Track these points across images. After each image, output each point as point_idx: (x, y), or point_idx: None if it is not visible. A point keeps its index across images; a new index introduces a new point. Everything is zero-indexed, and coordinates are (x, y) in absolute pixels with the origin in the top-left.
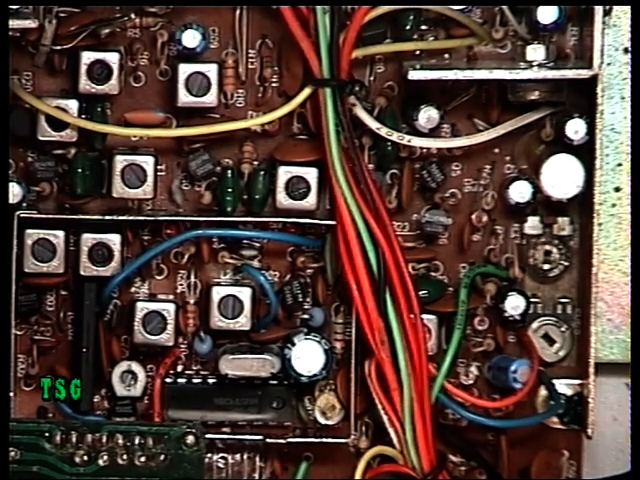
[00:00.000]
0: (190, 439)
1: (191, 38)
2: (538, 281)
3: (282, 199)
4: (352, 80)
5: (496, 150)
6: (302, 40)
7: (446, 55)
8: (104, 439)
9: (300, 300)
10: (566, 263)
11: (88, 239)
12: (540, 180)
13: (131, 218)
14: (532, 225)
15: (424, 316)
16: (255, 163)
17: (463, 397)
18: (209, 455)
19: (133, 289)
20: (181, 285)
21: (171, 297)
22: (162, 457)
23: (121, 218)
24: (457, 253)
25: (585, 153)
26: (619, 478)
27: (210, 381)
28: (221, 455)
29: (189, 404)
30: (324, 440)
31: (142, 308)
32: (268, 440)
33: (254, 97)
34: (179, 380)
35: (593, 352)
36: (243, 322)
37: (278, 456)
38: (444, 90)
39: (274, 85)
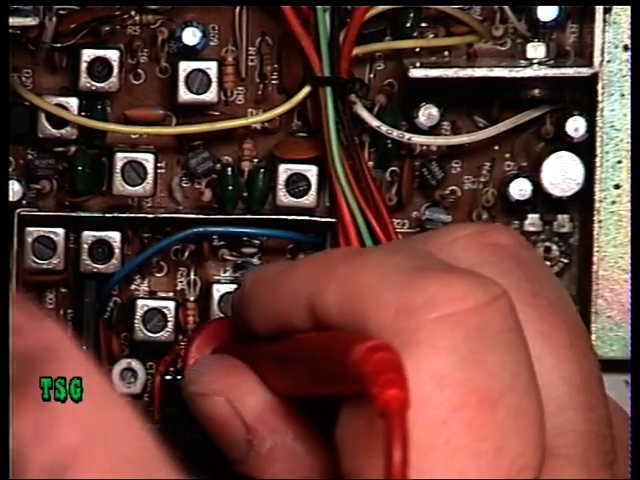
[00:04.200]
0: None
1: (191, 36)
2: None
3: (282, 196)
4: (352, 79)
5: (496, 147)
6: (302, 38)
7: (446, 52)
8: None
9: None
10: (566, 260)
11: (88, 237)
12: (540, 177)
13: (132, 215)
14: (532, 222)
15: None
16: (255, 161)
17: None
18: None
19: (133, 286)
20: (181, 282)
21: (171, 294)
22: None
23: (122, 215)
24: None
25: (585, 151)
26: None
27: None
28: None
29: None
30: None
31: (142, 305)
32: None
33: (254, 94)
34: (179, 377)
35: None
36: None
37: None
38: (444, 88)
39: (274, 82)
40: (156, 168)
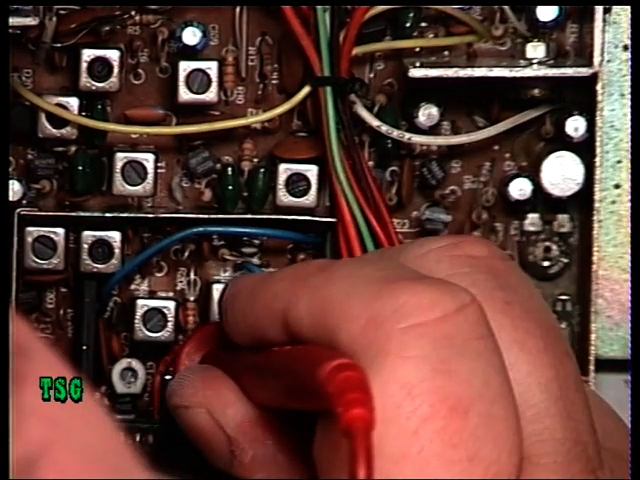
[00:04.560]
0: None
1: (191, 35)
2: (538, 278)
3: (282, 196)
4: (352, 78)
5: (496, 147)
6: (302, 38)
7: (446, 52)
8: None
9: None
10: (566, 260)
11: (88, 236)
12: (540, 177)
13: (132, 215)
14: (532, 222)
15: None
16: (255, 160)
17: None
18: None
19: (133, 286)
20: (181, 282)
21: (171, 294)
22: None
23: (122, 215)
24: None
25: (585, 150)
26: None
27: None
28: None
29: None
30: None
31: (142, 305)
32: None
33: (254, 94)
34: None
35: (593, 349)
36: None
37: None
38: (444, 88)
39: (274, 82)
40: (156, 168)
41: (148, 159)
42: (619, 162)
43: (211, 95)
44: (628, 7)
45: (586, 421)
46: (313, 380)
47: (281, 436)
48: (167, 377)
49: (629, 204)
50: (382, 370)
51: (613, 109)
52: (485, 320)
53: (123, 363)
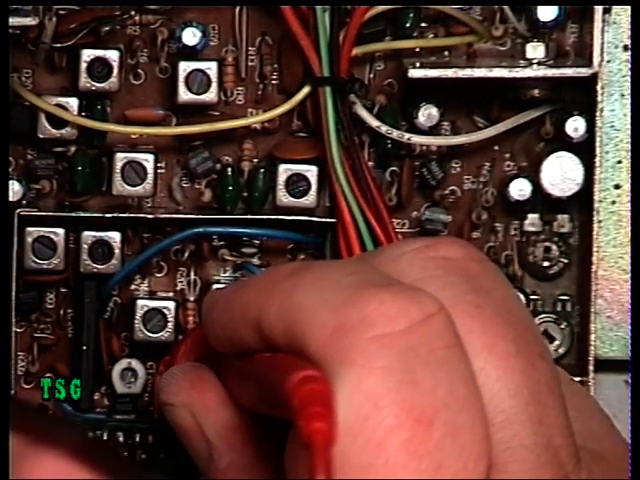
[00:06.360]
0: None
1: (191, 36)
2: (538, 278)
3: (282, 197)
4: (352, 79)
5: (496, 147)
6: (302, 38)
7: (446, 52)
8: (105, 437)
9: None
10: (566, 260)
11: (88, 237)
12: (540, 178)
13: (132, 215)
14: (532, 222)
15: None
16: (255, 161)
17: None
18: None
19: (133, 287)
20: (181, 282)
21: (171, 294)
22: (163, 454)
23: (122, 215)
24: None
25: (585, 151)
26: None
27: None
28: None
29: None
30: None
31: (142, 306)
32: None
33: (254, 94)
34: None
35: (593, 349)
36: None
37: None
38: (444, 88)
39: (274, 82)
40: (156, 168)
41: (148, 159)
42: (619, 162)
43: (211, 95)
44: (628, 7)
45: (560, 424)
46: (281, 391)
47: (261, 444)
48: None
49: (629, 204)
50: (348, 380)
51: (613, 109)
52: (452, 329)
53: (123, 363)
